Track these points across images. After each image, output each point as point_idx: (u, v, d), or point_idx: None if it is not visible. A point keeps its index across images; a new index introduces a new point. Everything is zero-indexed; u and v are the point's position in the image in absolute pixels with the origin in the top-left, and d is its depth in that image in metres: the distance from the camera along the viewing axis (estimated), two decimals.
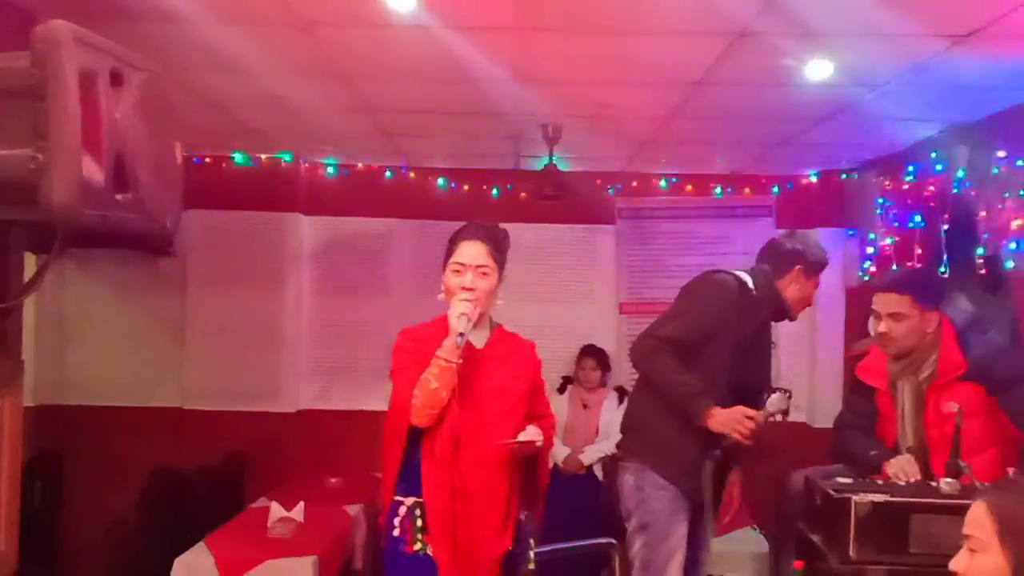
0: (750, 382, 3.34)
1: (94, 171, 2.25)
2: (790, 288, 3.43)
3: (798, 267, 3.43)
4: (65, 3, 2.62)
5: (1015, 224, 3.54)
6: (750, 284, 3.39)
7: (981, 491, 1.94)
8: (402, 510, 2.79)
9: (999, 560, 1.63)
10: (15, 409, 2.79)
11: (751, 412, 3.16)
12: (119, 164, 2.39)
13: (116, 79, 2.37)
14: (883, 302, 3.24)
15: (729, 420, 3.16)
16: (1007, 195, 3.60)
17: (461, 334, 2.65)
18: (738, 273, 3.43)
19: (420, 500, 2.76)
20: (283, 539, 3.87)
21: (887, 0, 2.60)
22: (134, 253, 5.22)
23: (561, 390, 5.38)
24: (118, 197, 2.40)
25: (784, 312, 3.49)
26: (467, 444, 2.74)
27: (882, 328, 3.22)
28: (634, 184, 5.70)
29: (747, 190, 5.65)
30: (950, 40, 2.92)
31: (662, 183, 5.69)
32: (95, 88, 2.27)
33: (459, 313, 2.68)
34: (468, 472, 2.75)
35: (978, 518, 1.67)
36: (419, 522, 2.75)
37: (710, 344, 3.27)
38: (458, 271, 2.76)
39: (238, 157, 5.48)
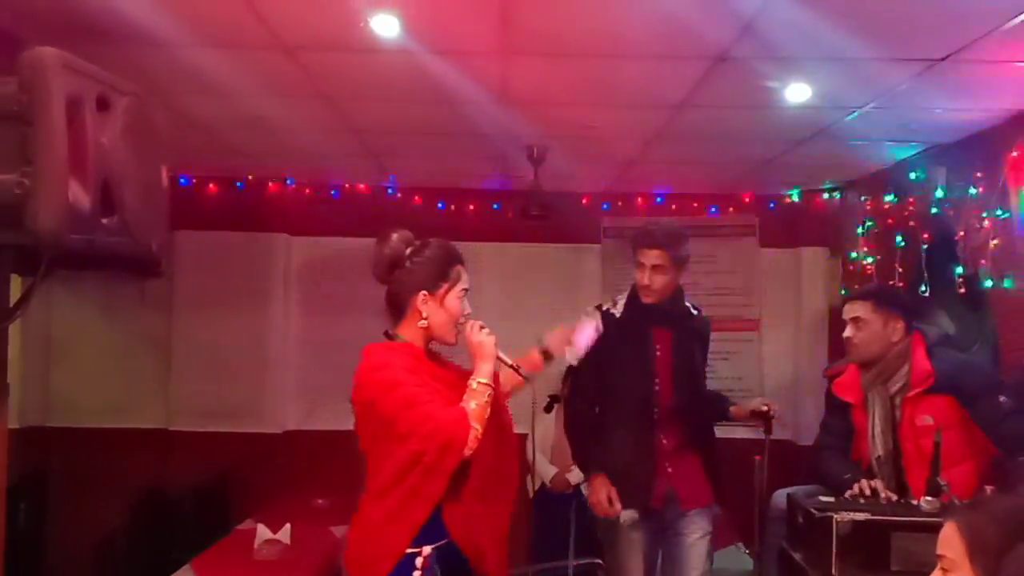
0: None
1: (80, 196, 2.27)
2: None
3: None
4: (50, 28, 2.65)
5: (993, 243, 3.60)
6: (614, 310, 3.46)
7: (953, 510, 1.97)
8: (419, 562, 2.41)
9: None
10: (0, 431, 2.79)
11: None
12: (105, 188, 2.41)
13: (102, 104, 2.40)
14: (848, 310, 3.41)
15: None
16: (984, 215, 3.66)
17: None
18: (607, 305, 3.51)
19: (439, 546, 2.44)
20: (269, 561, 3.85)
21: (862, 25, 2.66)
22: (121, 274, 5.22)
23: (548, 409, 5.38)
24: (104, 221, 2.42)
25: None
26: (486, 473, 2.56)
27: (846, 334, 3.38)
28: (619, 204, 5.75)
29: (731, 209, 5.71)
30: (924, 64, 2.97)
31: (646, 202, 5.73)
32: (82, 113, 2.29)
33: (492, 339, 2.55)
34: (495, 507, 2.57)
35: (949, 538, 1.70)
36: (439, 573, 2.44)
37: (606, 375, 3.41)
38: (463, 297, 2.61)
39: (225, 178, 5.50)
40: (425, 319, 2.55)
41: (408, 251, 2.58)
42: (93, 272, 5.01)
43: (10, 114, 2.22)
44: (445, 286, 2.57)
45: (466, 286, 2.61)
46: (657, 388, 3.43)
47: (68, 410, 5.41)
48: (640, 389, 3.39)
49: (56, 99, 2.19)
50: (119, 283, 5.39)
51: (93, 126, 2.33)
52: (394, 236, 2.60)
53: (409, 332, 2.57)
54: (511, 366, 2.64)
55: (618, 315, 3.45)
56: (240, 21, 2.73)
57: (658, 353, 3.45)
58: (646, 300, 3.40)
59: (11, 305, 2.79)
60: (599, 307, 3.52)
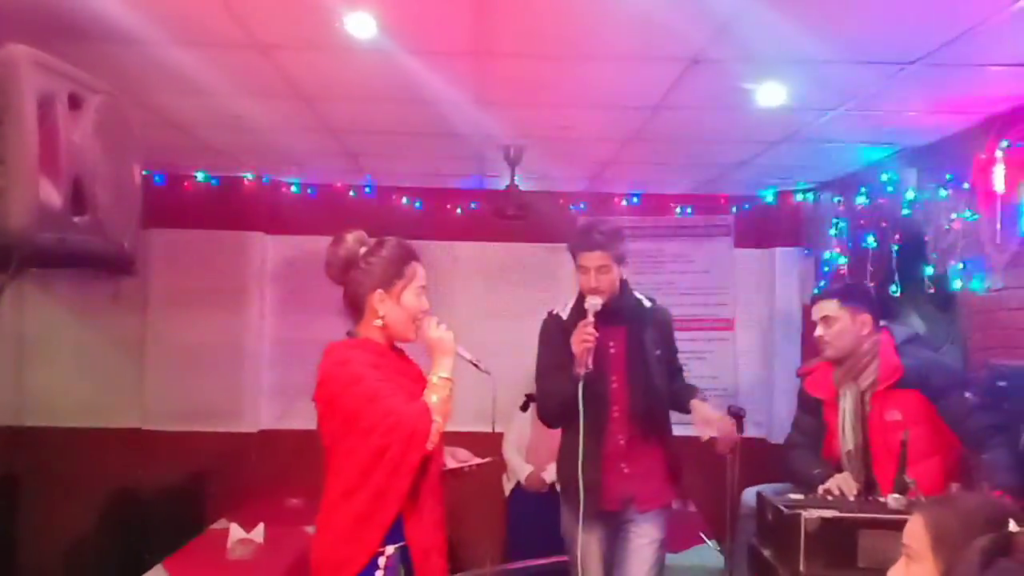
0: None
1: (51, 194, 2.26)
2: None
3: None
4: (24, 25, 2.62)
5: (961, 245, 3.65)
6: (562, 313, 3.47)
7: (921, 504, 2.01)
8: (382, 562, 2.41)
9: (931, 569, 1.70)
10: None
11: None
12: (77, 187, 2.40)
13: (74, 102, 2.39)
14: (816, 310, 3.48)
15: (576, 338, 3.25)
16: (954, 216, 3.71)
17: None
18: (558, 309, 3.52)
19: (402, 545, 2.45)
20: (243, 561, 3.84)
21: (834, 28, 2.69)
22: (94, 273, 5.18)
23: (524, 408, 5.39)
24: (75, 220, 2.41)
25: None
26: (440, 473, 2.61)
27: (817, 332, 3.43)
28: (596, 204, 5.77)
29: (706, 210, 5.75)
30: (896, 67, 3.01)
31: (623, 203, 5.76)
32: (53, 111, 2.28)
33: (451, 335, 2.57)
34: (442, 502, 2.61)
35: (915, 530, 1.74)
36: (402, 573, 2.46)
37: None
38: (421, 294, 2.62)
39: (200, 176, 5.48)
40: (381, 317, 2.56)
41: (363, 251, 2.60)
42: (66, 270, 5.01)
43: None
44: (400, 284, 2.58)
45: (422, 283, 2.62)
46: (613, 387, 3.38)
47: (41, 410, 5.35)
48: (595, 390, 3.31)
49: (27, 97, 2.18)
50: (93, 282, 5.35)
51: (65, 124, 2.32)
52: (349, 237, 2.62)
53: (369, 330, 2.58)
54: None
55: (565, 318, 3.41)
56: (215, 20, 2.72)
57: (611, 351, 3.39)
58: (599, 300, 3.31)
59: None
60: (550, 312, 3.52)
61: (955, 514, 1.71)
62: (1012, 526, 1.61)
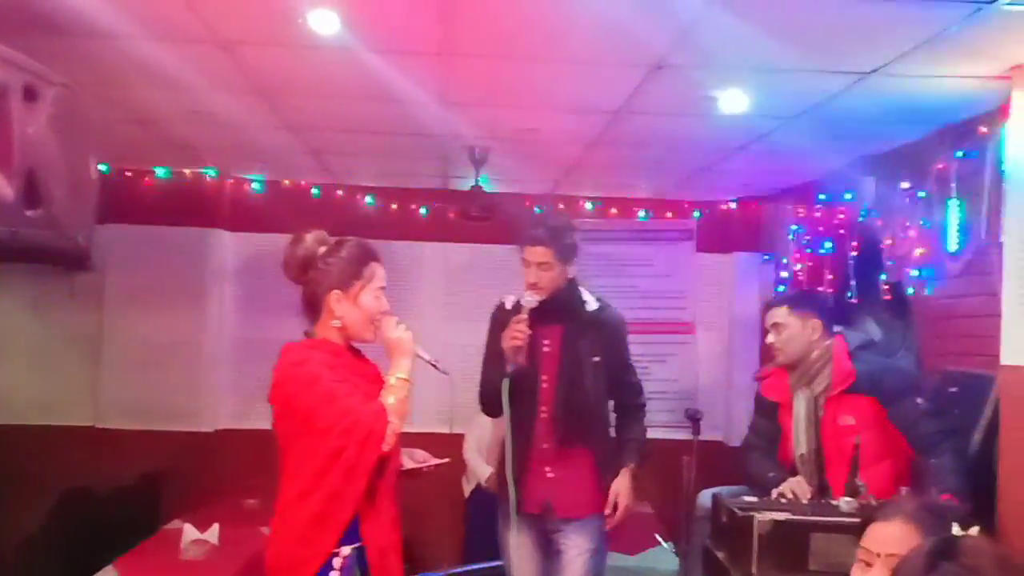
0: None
1: (4, 187, 2.23)
2: None
3: None
4: None
5: (916, 252, 3.72)
6: (509, 306, 3.39)
7: (876, 509, 2.05)
8: (337, 563, 2.39)
9: (885, 572, 1.73)
10: None
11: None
12: (30, 180, 2.37)
13: (30, 94, 2.36)
14: (768, 317, 3.56)
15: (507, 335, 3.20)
16: (909, 224, 3.78)
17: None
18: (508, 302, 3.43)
19: (358, 545, 2.43)
20: (196, 561, 3.79)
21: (794, 37, 2.72)
22: (49, 268, 5.10)
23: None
24: (29, 213, 2.38)
25: None
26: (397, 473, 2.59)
27: (769, 339, 3.51)
28: (561, 206, 5.79)
29: (669, 214, 5.80)
30: (854, 76, 3.06)
31: (588, 206, 5.80)
32: (7, 103, 2.25)
33: (409, 335, 2.55)
34: (399, 503, 2.59)
35: (906, 535, 1.78)
36: (358, 573, 2.44)
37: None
38: (379, 295, 2.60)
39: (161, 171, 5.41)
40: (339, 318, 2.54)
41: (322, 251, 2.58)
42: (21, 265, 4.94)
43: None
44: (358, 284, 2.55)
45: (381, 284, 2.60)
46: (543, 387, 3.28)
47: None
48: (526, 388, 3.24)
49: None
50: (49, 277, 5.26)
51: (19, 116, 2.30)
52: (308, 236, 2.60)
53: (326, 331, 2.57)
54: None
55: (509, 309, 3.34)
56: (176, 14, 2.68)
57: (545, 350, 3.29)
58: (536, 297, 3.24)
59: None
60: (500, 302, 3.44)
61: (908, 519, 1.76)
62: (956, 530, 1.64)
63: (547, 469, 3.28)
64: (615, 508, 3.28)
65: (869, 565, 1.85)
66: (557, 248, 3.24)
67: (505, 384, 3.16)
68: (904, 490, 3.05)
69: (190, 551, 3.83)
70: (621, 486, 3.30)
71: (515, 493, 3.20)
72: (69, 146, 2.51)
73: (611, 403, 3.44)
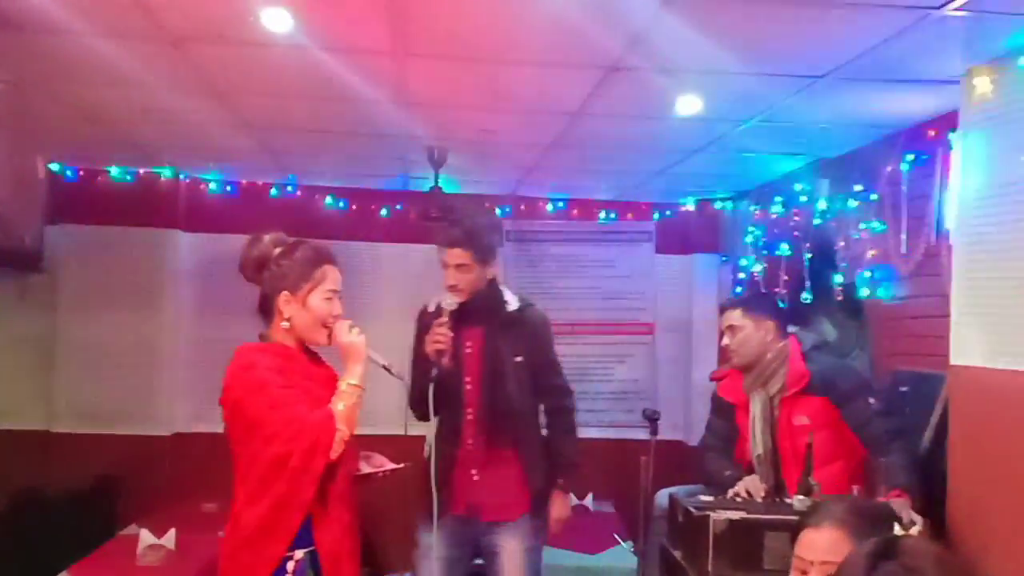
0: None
1: None
2: None
3: None
4: None
5: (869, 254, 3.78)
6: (430, 307, 3.41)
7: (806, 515, 2.06)
8: (290, 566, 2.40)
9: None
10: None
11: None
12: None
13: None
14: (723, 320, 3.59)
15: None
16: (862, 226, 3.83)
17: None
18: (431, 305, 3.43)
19: (311, 550, 2.44)
20: (152, 567, 3.75)
21: (745, 42, 2.75)
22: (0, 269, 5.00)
23: None
24: None
25: None
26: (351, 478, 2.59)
27: (724, 341, 3.54)
28: (522, 208, 5.80)
29: (630, 215, 5.83)
30: (806, 81, 3.10)
31: (549, 207, 5.82)
32: None
33: (363, 340, 2.54)
34: (354, 507, 2.59)
35: (836, 541, 1.79)
36: None
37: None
38: (330, 298, 2.59)
39: (115, 171, 5.32)
40: (287, 320, 2.54)
41: (276, 252, 2.57)
42: None
43: None
44: (307, 287, 2.55)
45: (333, 287, 2.59)
46: (468, 388, 3.29)
47: None
48: (450, 390, 3.24)
49: None
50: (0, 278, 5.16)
51: None
52: (265, 237, 2.61)
53: (278, 333, 2.56)
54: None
55: (431, 311, 3.34)
56: (124, 9, 2.64)
57: (468, 351, 3.30)
58: (455, 299, 3.25)
59: None
60: (424, 306, 3.44)
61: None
62: (897, 529, 1.67)
63: (473, 472, 3.29)
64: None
65: (805, 573, 1.86)
66: (475, 249, 3.24)
67: (430, 388, 3.15)
68: (856, 488, 3.10)
69: (146, 557, 3.79)
70: (558, 510, 3.39)
71: (438, 496, 3.16)
72: (14, 145, 2.46)
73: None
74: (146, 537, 3.85)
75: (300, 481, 2.38)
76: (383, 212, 5.66)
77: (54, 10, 2.65)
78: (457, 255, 3.23)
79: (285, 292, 2.53)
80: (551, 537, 3.51)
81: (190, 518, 4.42)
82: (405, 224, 5.55)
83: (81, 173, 5.25)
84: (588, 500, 5.21)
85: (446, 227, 3.29)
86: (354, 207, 5.64)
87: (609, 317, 5.80)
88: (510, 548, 3.31)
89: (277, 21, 2.65)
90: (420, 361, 3.31)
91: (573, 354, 5.76)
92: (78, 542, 4.26)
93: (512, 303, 3.40)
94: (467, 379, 3.30)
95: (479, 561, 3.49)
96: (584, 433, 5.64)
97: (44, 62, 3.11)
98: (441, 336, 3.16)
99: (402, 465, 2.73)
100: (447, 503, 3.22)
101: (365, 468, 2.66)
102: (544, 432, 3.50)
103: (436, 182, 4.67)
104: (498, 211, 5.72)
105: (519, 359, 3.32)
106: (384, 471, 2.68)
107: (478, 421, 3.29)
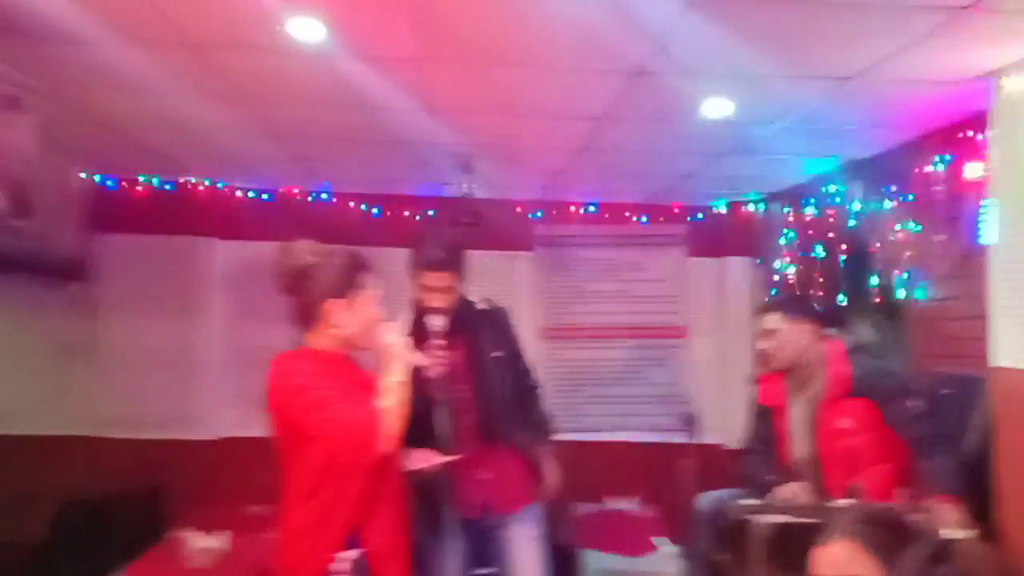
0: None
1: None
2: None
3: None
4: None
5: (904, 255, 3.73)
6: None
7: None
8: (339, 567, 2.38)
9: None
10: None
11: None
12: (17, 191, 2.39)
13: (12, 104, 2.38)
14: (761, 323, 3.53)
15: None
16: (897, 228, 3.79)
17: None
18: None
19: (361, 551, 2.42)
20: (202, 569, 3.79)
21: (772, 44, 2.74)
22: (42, 278, 5.11)
23: None
24: (16, 224, 2.40)
25: None
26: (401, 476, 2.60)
27: (765, 346, 3.49)
28: (552, 212, 5.81)
29: (659, 219, 5.81)
30: (835, 82, 3.07)
31: (580, 211, 5.80)
32: None
33: (404, 340, 2.56)
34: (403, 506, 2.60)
35: (855, 556, 1.77)
36: None
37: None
38: (375, 303, 2.60)
39: (152, 181, 5.42)
40: (337, 326, 2.55)
41: (313, 260, 2.58)
42: (13, 276, 4.93)
43: None
44: (355, 292, 2.57)
45: (376, 291, 2.62)
46: (463, 396, 3.26)
47: None
48: (445, 404, 3.16)
49: None
50: (41, 288, 5.26)
51: (3, 126, 2.32)
52: (298, 245, 2.60)
53: (319, 339, 2.57)
54: (423, 367, 2.69)
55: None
56: (149, 19, 2.68)
57: (456, 360, 3.26)
58: (443, 319, 3.18)
59: None
60: None
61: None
62: (952, 533, 1.64)
63: (479, 472, 3.30)
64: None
65: None
66: (459, 270, 3.26)
67: (442, 410, 3.10)
68: (902, 491, 3.05)
69: (196, 559, 3.83)
70: (551, 473, 3.43)
71: (449, 503, 3.15)
72: (54, 156, 2.53)
73: None
74: (195, 540, 3.90)
75: (349, 479, 2.39)
76: (415, 218, 5.70)
77: (83, 21, 2.71)
78: (444, 278, 3.21)
79: (334, 299, 2.54)
80: (552, 502, 3.51)
81: (238, 520, 4.46)
82: (435, 230, 5.59)
83: (121, 183, 5.37)
84: (628, 503, 5.19)
85: (426, 251, 3.24)
86: (386, 213, 5.68)
87: (641, 321, 5.78)
88: (524, 535, 3.38)
89: (306, 30, 2.70)
90: (420, 386, 3.17)
91: (606, 358, 5.80)
92: (127, 546, 4.33)
93: (479, 303, 3.44)
94: (463, 387, 3.29)
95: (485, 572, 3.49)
96: (621, 437, 5.77)
97: (74, 72, 3.15)
98: (442, 357, 3.11)
99: (455, 457, 2.76)
100: (457, 509, 3.21)
101: (414, 464, 2.66)
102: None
103: (466, 187, 4.70)
104: (529, 216, 5.77)
105: (500, 354, 3.38)
106: (435, 465, 2.70)
107: (477, 425, 3.30)
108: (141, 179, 5.38)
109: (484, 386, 3.32)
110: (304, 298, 2.56)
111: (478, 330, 3.37)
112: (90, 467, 5.24)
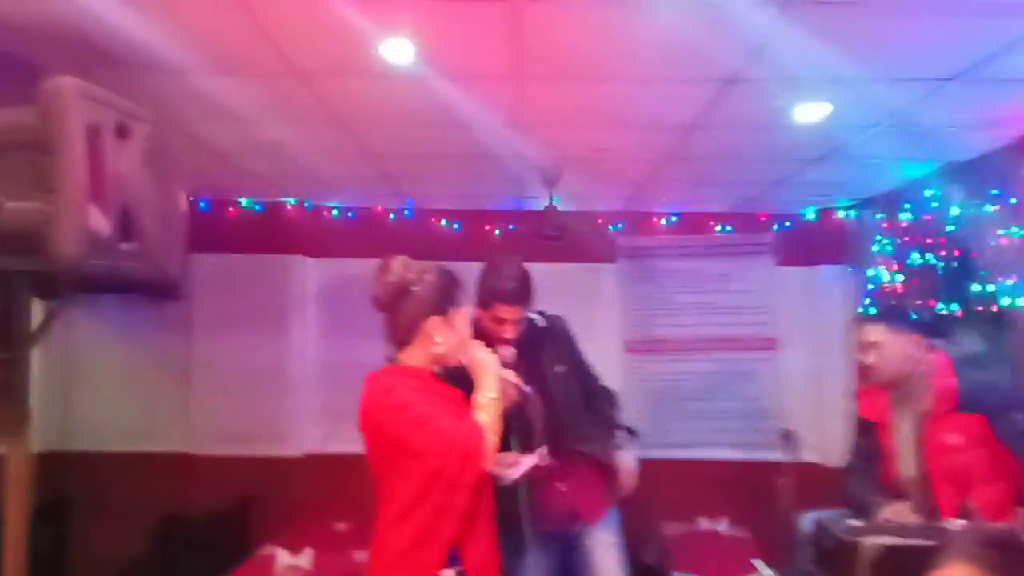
0: None
1: (100, 222, 2.32)
2: None
3: None
4: (68, 56, 2.70)
5: (1008, 261, 3.58)
6: None
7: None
8: None
9: None
10: (22, 457, 2.83)
11: None
12: (125, 215, 2.46)
13: (121, 131, 2.45)
14: (862, 334, 3.38)
15: None
16: (1000, 233, 3.64)
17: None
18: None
19: (460, 569, 2.42)
20: None
21: (869, 46, 2.67)
22: (139, 297, 5.28)
23: None
24: (124, 247, 2.47)
25: None
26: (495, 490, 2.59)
27: (867, 359, 3.34)
28: (635, 223, 5.76)
29: (746, 228, 5.71)
30: (934, 84, 2.98)
31: (663, 221, 5.75)
32: (101, 141, 2.35)
33: (495, 357, 2.60)
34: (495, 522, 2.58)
35: None
36: None
37: None
38: (468, 321, 2.64)
39: (243, 201, 5.58)
40: (439, 343, 2.54)
41: (413, 277, 2.58)
42: (112, 295, 5.10)
43: (30, 143, 2.28)
44: (455, 310, 2.58)
45: (469, 308, 2.65)
46: (527, 414, 3.18)
47: (89, 434, 5.42)
48: (519, 425, 3.11)
49: (75, 127, 2.25)
50: (138, 307, 5.44)
51: (112, 153, 2.39)
52: (395, 263, 2.60)
53: (414, 356, 2.57)
54: (514, 383, 2.67)
55: None
56: (254, 49, 2.77)
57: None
58: (511, 350, 3.20)
59: (33, 330, 2.85)
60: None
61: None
62: None
63: (559, 485, 3.32)
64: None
65: None
66: (531, 301, 3.27)
67: (515, 440, 3.04)
68: (1021, 511, 2.91)
69: None
70: (626, 472, 3.43)
71: (535, 520, 3.15)
72: (159, 180, 2.60)
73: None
74: (284, 557, 3.97)
75: (455, 493, 2.37)
76: (497, 232, 5.72)
77: (187, 51, 2.81)
78: (516, 311, 3.22)
79: (437, 316, 2.54)
80: (627, 499, 3.48)
81: (323, 537, 4.53)
82: (519, 243, 5.59)
83: (212, 204, 5.54)
84: (721, 524, 5.07)
85: (499, 284, 3.21)
86: (469, 228, 5.72)
87: (729, 333, 5.67)
88: (606, 542, 3.41)
89: (398, 52, 2.73)
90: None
91: (692, 371, 5.69)
92: (217, 561, 4.43)
93: (537, 320, 3.43)
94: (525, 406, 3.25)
95: None
96: (711, 454, 5.65)
97: (175, 100, 3.28)
98: (519, 384, 3.06)
99: (541, 453, 2.76)
100: (544, 524, 3.22)
101: (505, 472, 2.64)
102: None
103: (549, 201, 4.70)
104: (611, 227, 5.74)
105: (562, 368, 3.37)
106: (528, 468, 2.69)
107: (551, 439, 3.17)
108: (234, 200, 5.54)
109: (552, 402, 3.25)
110: (403, 315, 2.56)
111: (539, 348, 3.36)
112: (184, 483, 5.38)
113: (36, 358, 3.00)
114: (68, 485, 5.25)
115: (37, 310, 2.76)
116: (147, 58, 2.84)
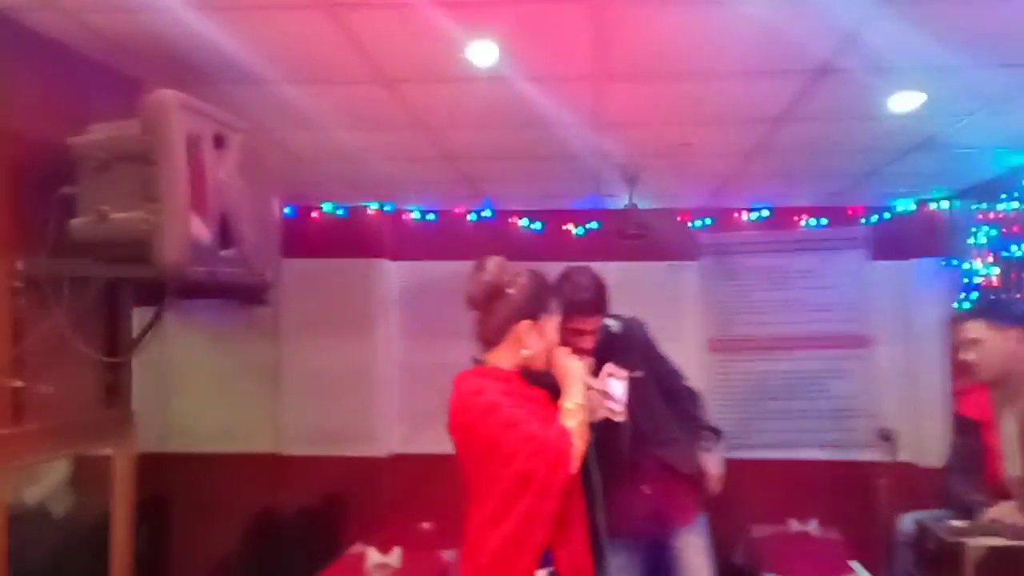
0: None
1: (201, 230, 2.39)
2: None
3: None
4: (166, 70, 2.80)
5: None
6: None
7: None
8: None
9: None
10: (127, 458, 2.95)
11: None
12: (224, 222, 2.54)
13: (219, 142, 2.53)
14: (962, 331, 3.30)
15: None
16: None
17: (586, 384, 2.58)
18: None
19: (552, 570, 2.42)
20: None
21: (965, 33, 2.58)
22: (229, 302, 5.41)
23: None
24: (223, 253, 2.54)
25: None
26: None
27: (968, 356, 3.26)
28: (717, 219, 5.67)
29: (835, 222, 5.55)
30: None
31: (748, 217, 5.64)
32: (200, 151, 2.42)
33: (580, 364, 2.59)
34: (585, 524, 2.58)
35: None
36: None
37: None
38: (556, 326, 2.64)
39: (326, 206, 5.68)
40: (528, 347, 2.55)
41: (508, 279, 2.58)
42: (205, 301, 5.24)
43: (135, 154, 2.36)
44: (546, 315, 2.58)
45: (559, 314, 2.63)
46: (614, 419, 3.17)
47: (184, 436, 5.54)
48: (601, 434, 3.04)
49: (177, 139, 2.33)
50: (229, 311, 5.57)
51: (211, 163, 2.47)
52: (491, 263, 2.60)
53: (501, 358, 2.57)
54: (599, 391, 2.63)
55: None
56: (343, 58, 2.82)
57: None
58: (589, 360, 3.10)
59: (135, 336, 2.96)
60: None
61: None
62: None
63: (644, 488, 3.34)
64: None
65: None
66: (607, 310, 3.24)
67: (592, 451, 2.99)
68: None
69: (375, 574, 3.95)
70: (716, 467, 3.44)
71: (621, 526, 3.04)
72: (255, 188, 2.67)
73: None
74: (373, 556, 4.02)
75: (545, 497, 2.36)
76: (577, 231, 5.70)
77: (275, 63, 2.89)
78: (593, 322, 3.19)
79: (528, 320, 2.55)
80: (714, 500, 3.49)
81: (410, 537, 4.58)
82: (597, 242, 5.57)
83: (297, 210, 5.65)
84: (812, 525, 4.94)
85: (576, 295, 3.14)
86: (549, 228, 5.72)
87: (818, 330, 5.52)
88: (695, 545, 3.42)
89: (483, 55, 2.74)
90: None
91: (782, 370, 5.56)
92: (307, 560, 4.52)
93: (612, 325, 3.37)
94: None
95: None
96: (801, 454, 5.52)
97: (263, 110, 3.36)
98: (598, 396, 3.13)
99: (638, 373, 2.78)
100: (631, 531, 3.21)
101: (616, 407, 2.66)
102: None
103: (630, 199, 4.66)
104: (693, 224, 5.65)
105: (641, 373, 3.25)
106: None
107: (635, 445, 3.19)
108: (318, 205, 5.65)
109: (633, 408, 3.24)
110: (495, 316, 2.56)
111: (616, 354, 3.23)
112: (275, 483, 5.51)
113: (135, 362, 3.12)
114: (164, 485, 5.42)
115: (136, 317, 2.87)
116: (237, 69, 2.91)
